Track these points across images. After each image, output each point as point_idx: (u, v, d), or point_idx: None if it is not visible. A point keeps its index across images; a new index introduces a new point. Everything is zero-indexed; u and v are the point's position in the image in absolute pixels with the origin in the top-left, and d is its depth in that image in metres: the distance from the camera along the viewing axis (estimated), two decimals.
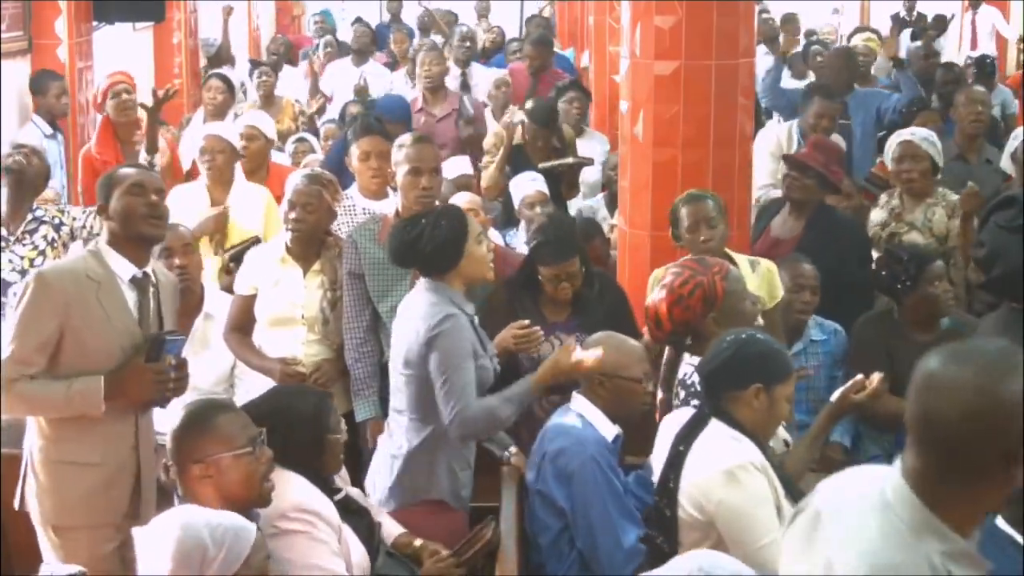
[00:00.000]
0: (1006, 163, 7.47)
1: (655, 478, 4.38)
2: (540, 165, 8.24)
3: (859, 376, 4.34)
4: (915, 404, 2.57)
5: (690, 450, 4.07)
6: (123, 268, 4.57)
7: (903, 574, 2.49)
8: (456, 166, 8.19)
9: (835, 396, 4.41)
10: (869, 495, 2.64)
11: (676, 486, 4.06)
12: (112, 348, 4.50)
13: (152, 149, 7.07)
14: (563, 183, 8.33)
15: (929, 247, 6.38)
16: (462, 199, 6.92)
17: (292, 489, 4.11)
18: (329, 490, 4.35)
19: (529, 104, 8.86)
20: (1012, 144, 7.35)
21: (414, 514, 4.89)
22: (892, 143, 7.03)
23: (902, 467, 2.61)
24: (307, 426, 4.26)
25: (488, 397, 4.77)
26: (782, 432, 4.53)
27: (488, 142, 8.89)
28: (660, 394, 4.90)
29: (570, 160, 8.44)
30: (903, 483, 2.59)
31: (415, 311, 4.83)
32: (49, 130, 9.17)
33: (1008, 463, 2.49)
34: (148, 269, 4.67)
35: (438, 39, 14.14)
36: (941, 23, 15.71)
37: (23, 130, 9.13)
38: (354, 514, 4.45)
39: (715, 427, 4.06)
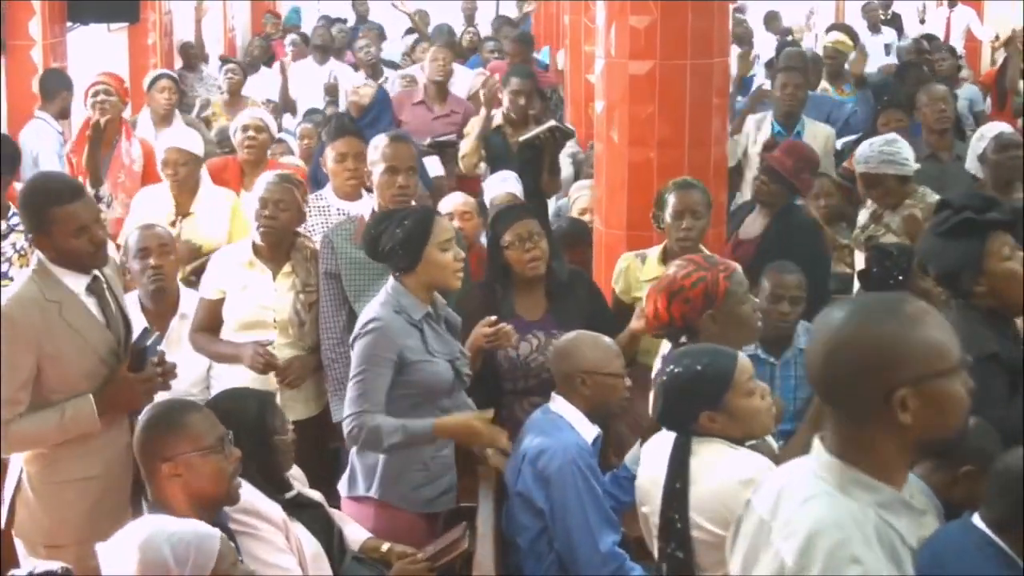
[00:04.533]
0: (971, 164, 7.47)
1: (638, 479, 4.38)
2: (520, 139, 8.14)
3: None
4: (806, 355, 2.70)
5: (689, 481, 3.96)
6: (75, 281, 4.52)
7: (841, 527, 2.52)
8: (431, 166, 8.19)
9: None
10: (800, 480, 2.68)
11: (685, 525, 3.94)
12: (91, 363, 4.49)
13: (96, 183, 6.98)
14: (544, 168, 8.22)
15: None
16: (455, 200, 6.91)
17: None
18: (280, 489, 4.37)
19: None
20: (978, 145, 7.33)
21: (356, 509, 4.93)
22: (858, 159, 6.99)
23: (822, 440, 2.68)
24: (252, 430, 4.24)
25: (389, 419, 4.73)
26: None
27: (470, 125, 8.83)
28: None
29: (551, 123, 8.29)
30: (823, 452, 2.66)
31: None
32: (59, 127, 9.18)
33: (888, 408, 2.54)
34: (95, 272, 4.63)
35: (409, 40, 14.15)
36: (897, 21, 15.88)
37: (30, 126, 9.12)
38: (306, 509, 4.45)
39: (708, 446, 3.99)
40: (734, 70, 10.90)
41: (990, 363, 4.39)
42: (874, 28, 15.00)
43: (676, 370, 4.05)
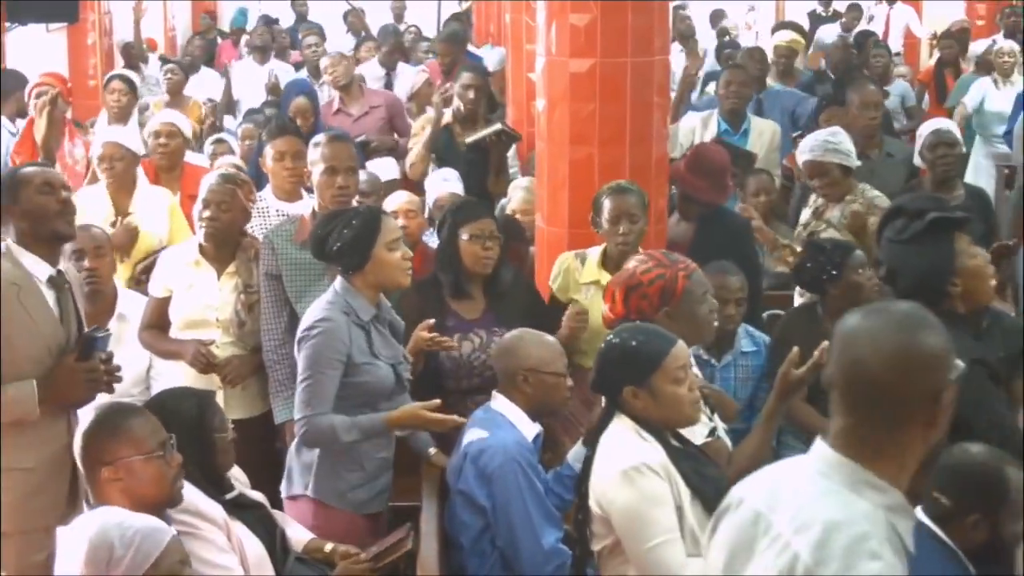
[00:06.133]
0: (918, 160, 7.58)
1: None
2: (467, 140, 8.13)
3: (796, 348, 4.32)
4: (839, 358, 2.68)
5: (597, 447, 4.09)
6: (39, 268, 4.50)
7: (858, 523, 2.55)
8: (383, 170, 8.17)
9: (778, 375, 4.33)
10: (802, 477, 2.70)
11: (587, 490, 4.08)
12: (40, 352, 4.44)
13: (50, 159, 6.95)
14: (491, 168, 8.21)
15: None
16: (400, 199, 6.91)
17: None
18: (221, 489, 4.36)
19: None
20: (919, 143, 7.44)
21: (294, 508, 4.94)
22: (803, 149, 7.03)
23: (827, 439, 2.70)
24: (192, 429, 4.24)
25: (341, 417, 4.76)
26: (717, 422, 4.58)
27: (416, 126, 8.80)
28: None
29: (497, 126, 8.28)
30: (831, 452, 2.67)
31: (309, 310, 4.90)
32: (14, 128, 9.11)
33: (930, 406, 2.60)
34: (61, 267, 4.62)
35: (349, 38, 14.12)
36: (856, 10, 15.98)
37: None
38: (248, 510, 4.45)
39: (621, 423, 4.08)
40: (676, 66, 10.99)
41: (979, 368, 4.43)
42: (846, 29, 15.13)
43: (614, 340, 4.15)
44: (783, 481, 2.74)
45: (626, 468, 3.92)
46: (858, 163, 6.91)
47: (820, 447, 2.70)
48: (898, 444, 2.63)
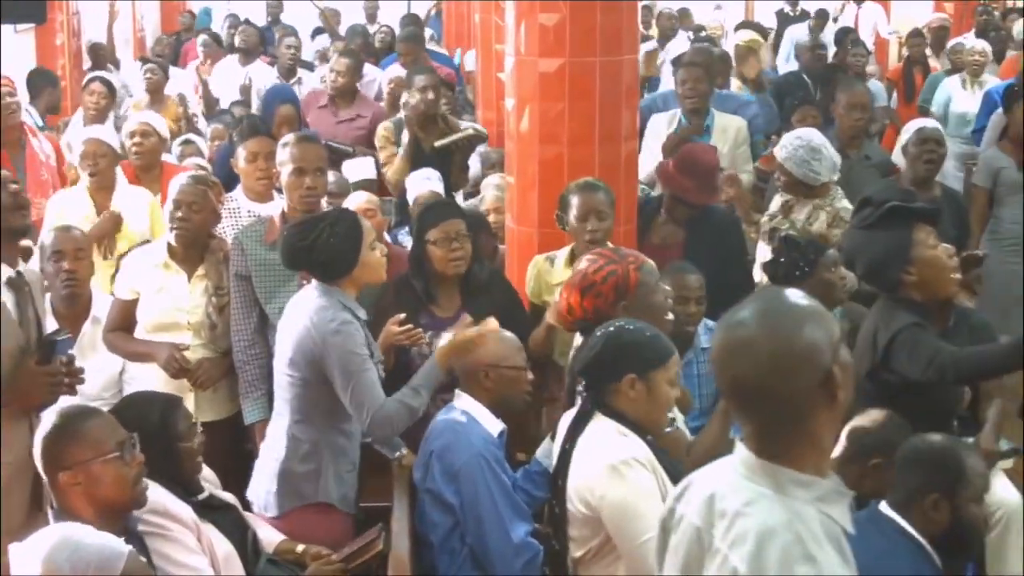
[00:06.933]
0: (898, 157, 7.64)
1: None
2: (436, 144, 8.15)
3: None
4: (720, 376, 2.70)
5: (575, 446, 4.10)
6: None
7: (789, 527, 2.56)
8: (360, 169, 8.16)
9: None
10: (732, 485, 2.70)
11: (564, 484, 4.10)
12: None
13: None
14: (454, 167, 8.24)
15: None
16: (359, 199, 6.90)
17: None
18: (191, 491, 4.34)
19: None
20: (903, 138, 7.51)
21: (299, 518, 4.90)
22: (780, 144, 7.03)
23: (744, 443, 2.71)
24: (155, 436, 4.18)
25: (398, 393, 4.80)
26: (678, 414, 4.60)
27: (379, 136, 8.80)
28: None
29: (469, 131, 8.30)
30: (750, 456, 2.68)
31: (305, 314, 4.83)
32: (41, 122, 9.14)
33: (823, 390, 2.60)
34: (20, 268, 4.59)
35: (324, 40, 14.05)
36: (823, 16, 16.02)
37: None
38: (218, 511, 4.43)
39: (600, 422, 4.09)
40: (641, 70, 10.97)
41: (917, 327, 4.57)
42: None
43: (628, 327, 4.16)
44: (716, 491, 2.73)
45: (615, 462, 3.94)
46: (829, 178, 6.84)
47: (741, 450, 2.71)
48: (806, 434, 2.64)
